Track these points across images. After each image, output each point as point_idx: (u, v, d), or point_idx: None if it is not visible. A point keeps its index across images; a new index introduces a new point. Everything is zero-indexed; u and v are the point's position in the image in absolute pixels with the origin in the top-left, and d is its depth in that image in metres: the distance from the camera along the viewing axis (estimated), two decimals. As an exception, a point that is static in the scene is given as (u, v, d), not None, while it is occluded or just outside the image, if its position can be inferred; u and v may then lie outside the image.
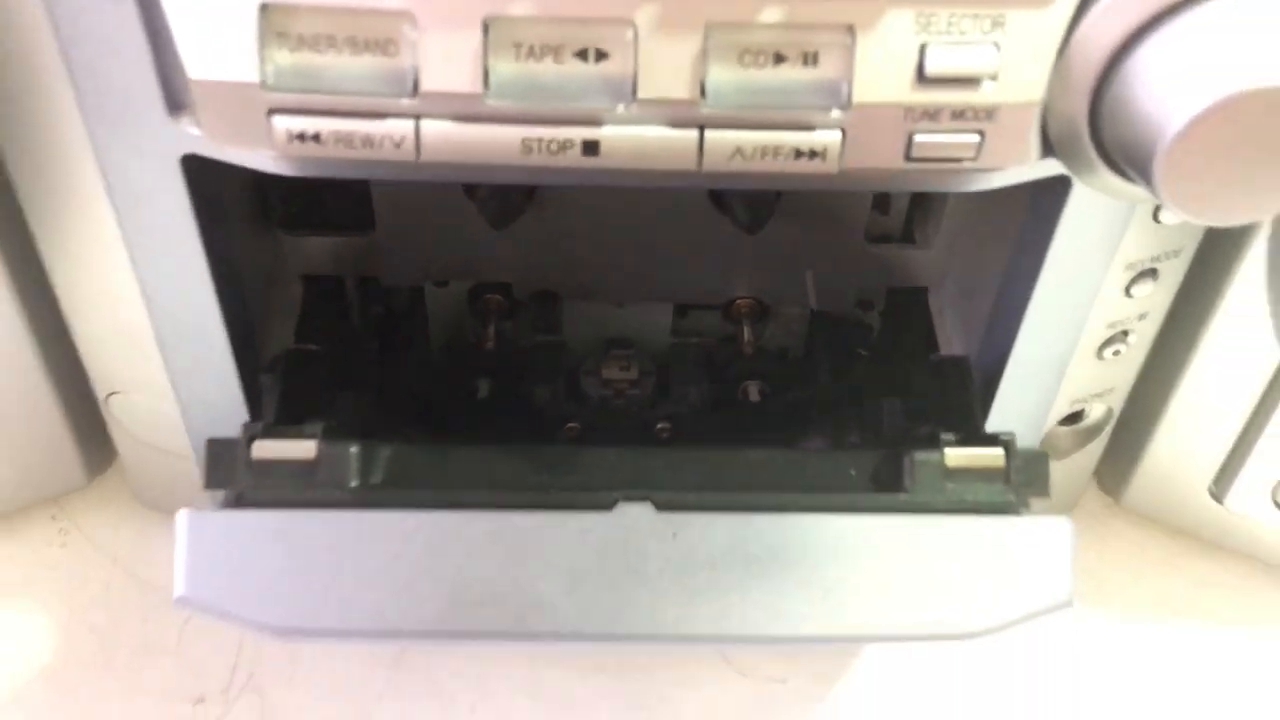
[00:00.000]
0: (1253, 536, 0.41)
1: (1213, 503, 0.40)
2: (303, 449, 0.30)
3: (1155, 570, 0.42)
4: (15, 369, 0.37)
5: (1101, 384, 0.37)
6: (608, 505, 0.28)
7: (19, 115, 0.29)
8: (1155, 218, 0.32)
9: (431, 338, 0.39)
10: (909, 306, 0.38)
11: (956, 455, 0.30)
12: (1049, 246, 0.31)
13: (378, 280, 0.38)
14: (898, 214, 0.38)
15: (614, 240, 0.37)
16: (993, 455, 0.31)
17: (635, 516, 0.28)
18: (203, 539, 0.28)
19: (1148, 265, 0.33)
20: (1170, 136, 0.23)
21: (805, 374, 0.38)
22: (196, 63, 0.24)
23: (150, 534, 0.41)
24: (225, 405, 0.35)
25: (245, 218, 0.36)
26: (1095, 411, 0.39)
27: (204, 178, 0.29)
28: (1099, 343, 0.35)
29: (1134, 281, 0.34)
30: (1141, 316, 0.35)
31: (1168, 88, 0.24)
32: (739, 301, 0.39)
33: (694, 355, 0.39)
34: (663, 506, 0.28)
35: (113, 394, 0.37)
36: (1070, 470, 0.41)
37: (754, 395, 0.38)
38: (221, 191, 0.31)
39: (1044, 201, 0.30)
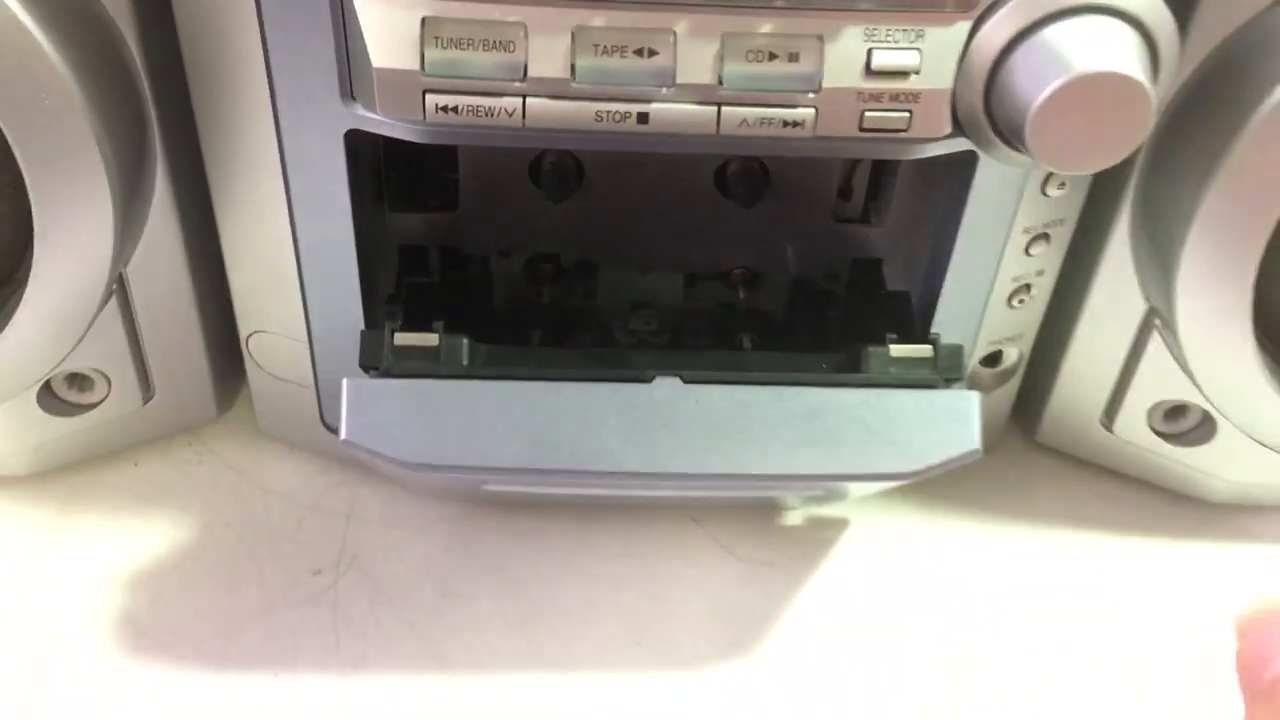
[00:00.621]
0: (1138, 458, 0.52)
1: (1105, 432, 0.51)
2: (428, 339, 0.41)
3: (1064, 491, 0.53)
4: (176, 316, 0.47)
5: (1012, 329, 0.48)
6: (648, 380, 0.40)
7: (216, 90, 0.40)
8: (1043, 191, 0.43)
9: (496, 296, 0.50)
10: (868, 273, 0.49)
11: (898, 349, 0.42)
12: (963, 213, 0.43)
13: (457, 249, 0.49)
14: (857, 199, 0.49)
15: (640, 218, 0.48)
16: (924, 349, 0.42)
17: (668, 387, 0.40)
18: (360, 399, 0.39)
19: (1040, 230, 0.45)
20: (1034, 110, 0.35)
21: (788, 323, 0.49)
22: (378, 55, 0.36)
23: (270, 454, 0.52)
24: (348, 342, 0.46)
25: (368, 196, 0.47)
26: (1010, 355, 0.50)
27: (357, 154, 0.41)
28: (1007, 294, 0.47)
29: (1031, 243, 0.45)
30: (1039, 273, 0.47)
31: (1031, 78, 0.35)
32: (735, 271, 0.50)
33: (701, 313, 0.50)
34: (688, 380, 0.40)
35: (254, 333, 0.48)
36: (992, 407, 0.52)
37: (747, 345, 0.49)
38: (364, 168, 0.42)
39: (958, 176, 0.42)
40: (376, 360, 0.41)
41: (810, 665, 0.46)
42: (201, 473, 0.51)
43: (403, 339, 0.41)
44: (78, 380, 0.48)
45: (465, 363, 0.41)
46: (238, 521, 0.49)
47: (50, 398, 0.48)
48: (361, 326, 0.45)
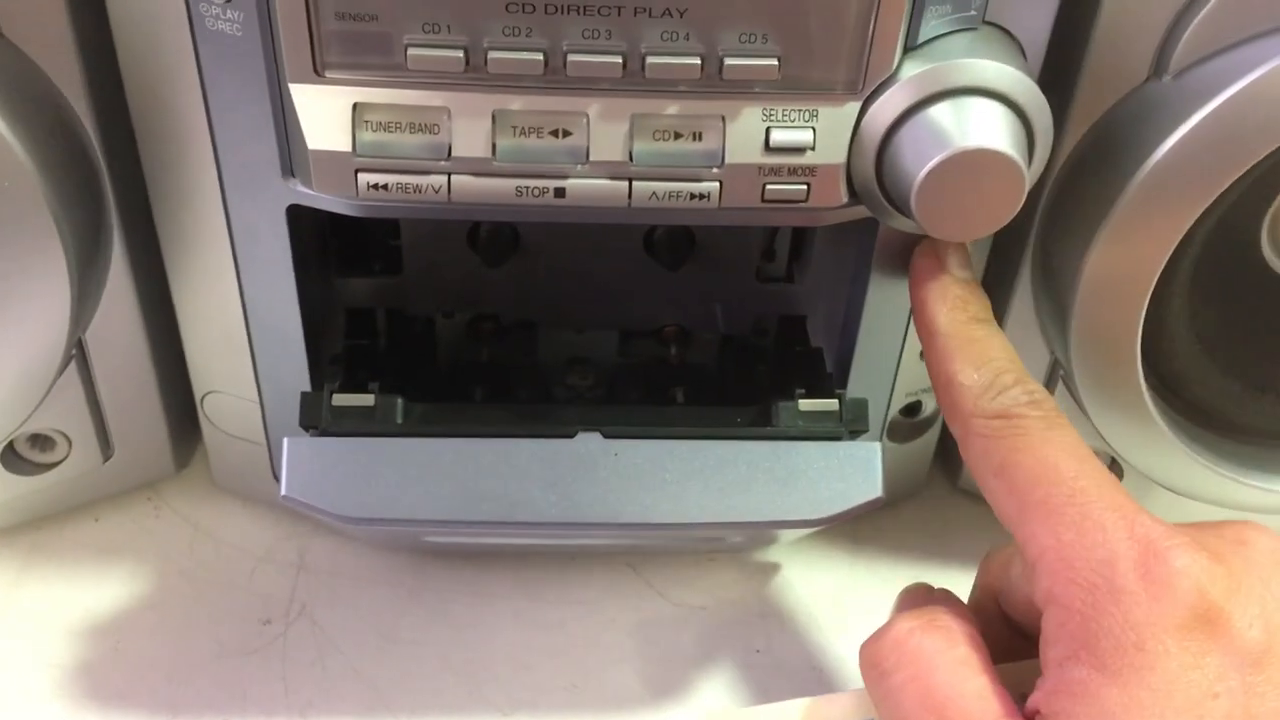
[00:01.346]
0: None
1: (1021, 477, 0.54)
2: (365, 399, 0.43)
3: (984, 535, 0.56)
4: (133, 378, 0.50)
5: (928, 381, 0.51)
6: (571, 435, 0.42)
7: (167, 167, 0.43)
8: (946, 252, 0.46)
9: (439, 355, 0.52)
10: (793, 329, 0.52)
11: (806, 403, 0.45)
12: (869, 273, 0.46)
13: (403, 311, 0.52)
14: (780, 261, 0.52)
15: (575, 280, 0.51)
16: (830, 404, 0.45)
17: (589, 441, 0.42)
18: (299, 457, 0.41)
19: (947, 288, 0.48)
20: (919, 182, 0.38)
21: (717, 378, 0.52)
22: (314, 138, 0.39)
23: (224, 508, 0.54)
24: (296, 401, 0.48)
25: (313, 263, 0.50)
26: (928, 405, 0.53)
27: (299, 225, 0.43)
28: (920, 348, 0.50)
29: (939, 301, 0.48)
30: (949, 328, 0.50)
31: (916, 153, 0.38)
32: (667, 328, 0.53)
33: (635, 369, 0.53)
34: (607, 435, 0.42)
35: (208, 393, 0.51)
36: (914, 454, 0.54)
37: (679, 399, 0.52)
38: (305, 239, 0.45)
39: (862, 239, 0.45)
40: (315, 420, 0.43)
41: (740, 704, 0.48)
42: (159, 526, 0.53)
43: (340, 399, 0.44)
44: (39, 440, 0.50)
45: (399, 420, 0.43)
46: (192, 572, 0.52)
47: (13, 457, 0.50)
48: (308, 386, 0.48)
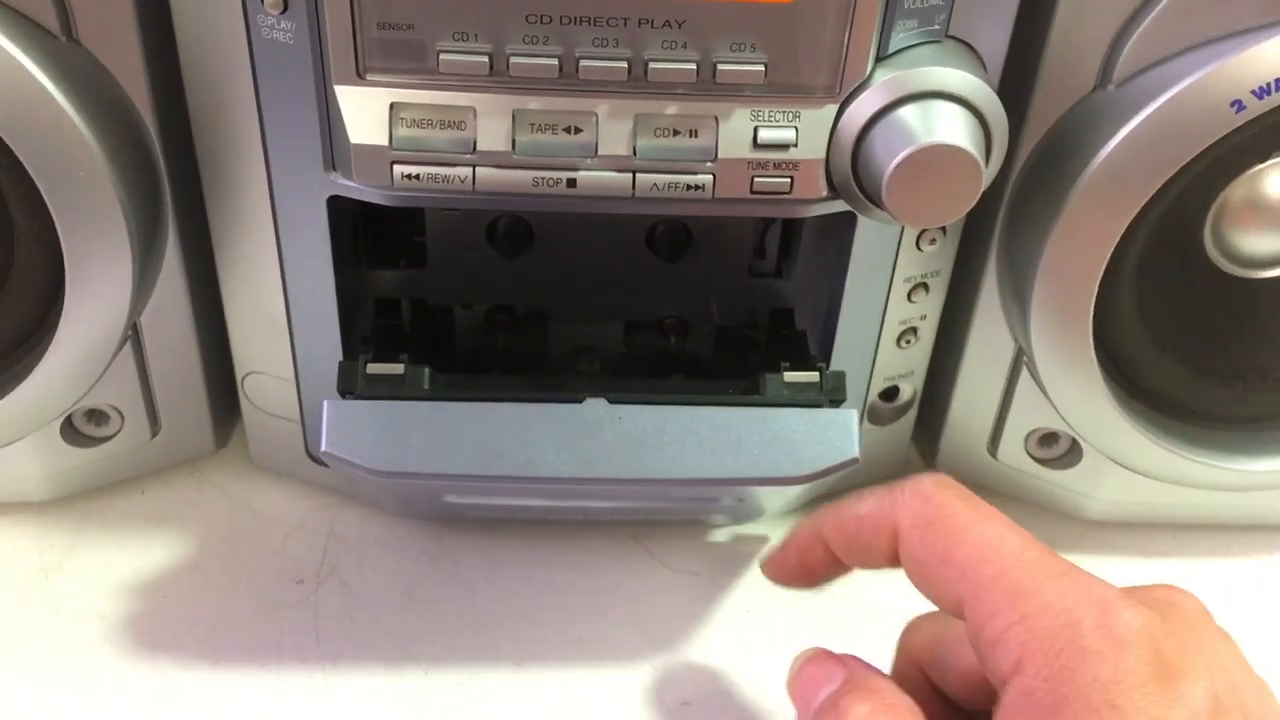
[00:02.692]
0: (1021, 482, 0.59)
1: (991, 459, 0.59)
2: (395, 369, 0.49)
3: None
4: (181, 360, 0.55)
5: (904, 367, 0.56)
6: (579, 400, 0.47)
7: (220, 162, 0.48)
8: (918, 245, 0.51)
9: (458, 342, 0.57)
10: (782, 321, 0.57)
11: (791, 375, 0.50)
12: (849, 265, 0.51)
13: (425, 302, 0.57)
14: (770, 257, 0.57)
15: (584, 274, 0.56)
16: (812, 375, 0.50)
17: (596, 406, 0.47)
18: (338, 418, 0.46)
19: (919, 280, 0.53)
20: (889, 174, 0.43)
21: (714, 365, 0.57)
22: (355, 133, 0.44)
23: (260, 483, 0.59)
24: (331, 381, 0.53)
25: (347, 255, 0.55)
26: (905, 390, 0.58)
27: (338, 216, 0.49)
28: (895, 335, 0.54)
29: (912, 291, 0.53)
30: (922, 317, 0.54)
31: (887, 149, 0.43)
32: (667, 321, 0.58)
33: (637, 357, 0.58)
34: (613, 402, 0.47)
35: (249, 374, 0.56)
36: (895, 437, 0.59)
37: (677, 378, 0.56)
38: (341, 232, 0.50)
39: (841, 233, 0.50)
40: (352, 386, 0.48)
41: (730, 658, 0.53)
42: (200, 498, 0.58)
43: (374, 368, 0.49)
44: (95, 415, 0.55)
45: (426, 387, 0.49)
46: (231, 539, 0.56)
47: (71, 431, 0.55)
48: (340, 359, 0.53)
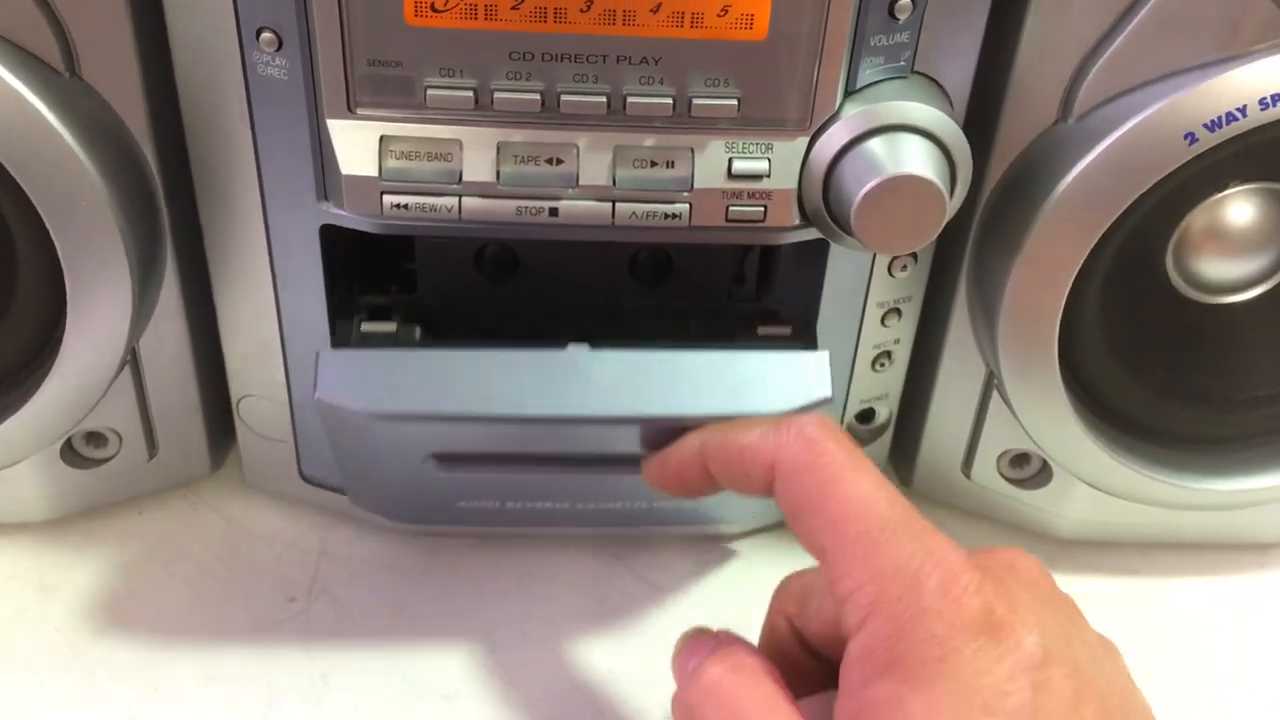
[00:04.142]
0: (994, 502, 0.61)
1: (965, 480, 0.61)
2: (388, 326, 0.52)
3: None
4: (178, 383, 0.56)
5: (879, 390, 0.58)
6: (562, 346, 0.50)
7: (217, 192, 0.50)
8: (890, 272, 0.53)
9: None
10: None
11: (764, 328, 0.53)
12: (823, 289, 0.53)
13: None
14: (749, 284, 0.59)
15: (567, 299, 0.58)
16: (784, 328, 0.53)
17: (579, 351, 0.50)
18: (331, 365, 0.48)
19: (892, 305, 0.55)
20: (857, 202, 0.45)
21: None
22: (346, 164, 0.46)
23: (255, 505, 0.60)
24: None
25: (339, 281, 0.57)
26: (881, 413, 0.59)
27: (330, 244, 0.50)
28: (870, 359, 0.56)
29: (885, 316, 0.55)
30: (896, 341, 0.56)
31: (855, 179, 0.45)
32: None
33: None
34: (595, 347, 0.50)
35: (244, 397, 0.57)
36: (871, 458, 0.60)
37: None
38: (335, 257, 0.52)
39: (816, 258, 0.52)
40: (346, 340, 0.51)
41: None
42: (196, 519, 0.60)
43: (367, 326, 0.52)
44: (94, 438, 0.57)
45: (417, 340, 0.51)
46: (226, 558, 0.58)
47: (70, 453, 0.57)
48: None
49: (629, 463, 0.49)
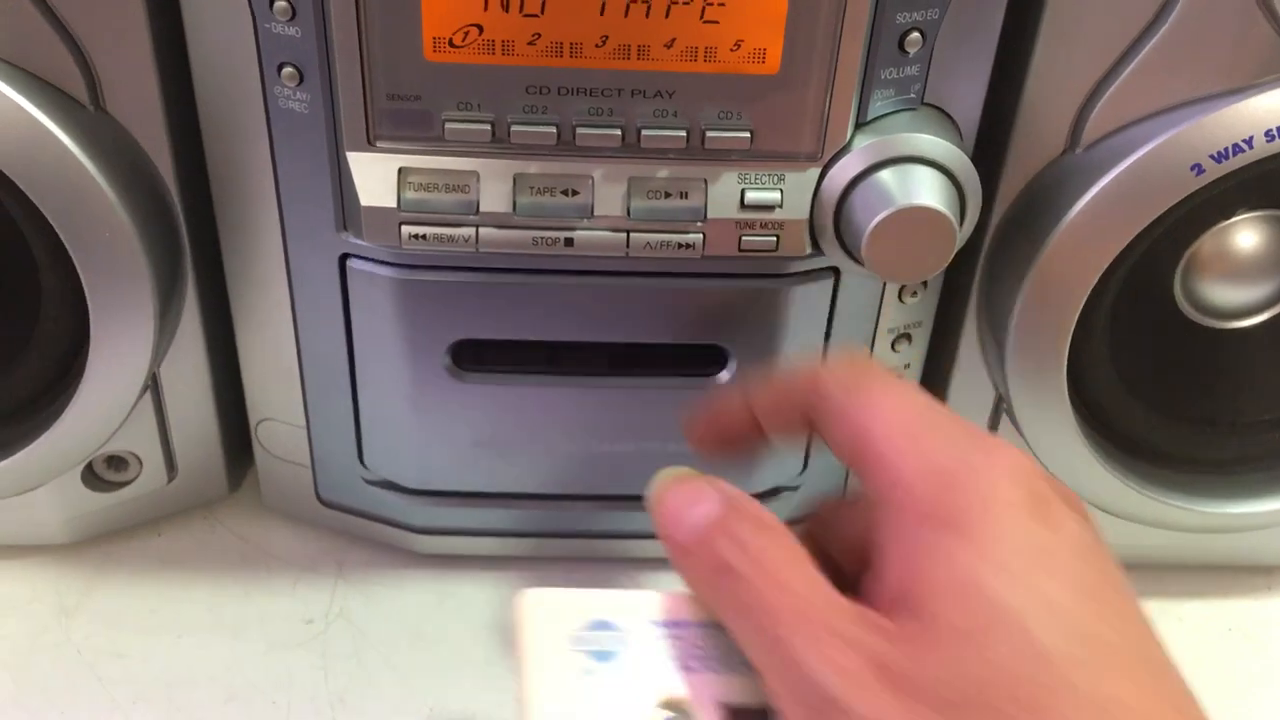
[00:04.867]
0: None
1: (974, 502, 0.61)
2: None
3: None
4: (197, 408, 0.57)
5: (889, 412, 0.59)
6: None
7: (238, 222, 0.51)
8: (900, 298, 0.54)
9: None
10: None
11: None
12: (834, 317, 0.53)
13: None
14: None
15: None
16: None
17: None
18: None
19: (902, 331, 0.55)
20: (868, 233, 0.45)
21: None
22: (366, 196, 0.46)
23: (273, 527, 0.61)
24: (341, 428, 0.56)
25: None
26: (890, 435, 0.60)
27: (348, 275, 0.51)
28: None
29: (895, 342, 0.55)
30: (906, 366, 0.57)
31: (866, 209, 0.46)
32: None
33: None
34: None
35: (262, 421, 0.58)
36: (881, 481, 0.62)
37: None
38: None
39: (826, 286, 0.52)
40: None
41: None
42: (214, 540, 0.61)
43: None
44: (114, 461, 0.57)
45: None
46: (243, 580, 0.59)
47: (91, 476, 0.57)
48: (351, 413, 0.55)
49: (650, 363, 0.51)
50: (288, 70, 0.45)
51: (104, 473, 0.58)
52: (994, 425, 0.58)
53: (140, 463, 0.58)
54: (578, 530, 0.60)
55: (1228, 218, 0.52)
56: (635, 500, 0.56)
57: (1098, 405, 0.56)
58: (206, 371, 0.56)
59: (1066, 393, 0.53)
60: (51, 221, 0.46)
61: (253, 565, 0.60)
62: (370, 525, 0.60)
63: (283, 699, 0.54)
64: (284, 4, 0.43)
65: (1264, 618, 0.61)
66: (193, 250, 0.53)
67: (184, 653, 0.55)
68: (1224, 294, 0.54)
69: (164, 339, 0.53)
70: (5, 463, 0.53)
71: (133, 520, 0.60)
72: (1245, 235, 0.53)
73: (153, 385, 0.55)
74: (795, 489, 0.59)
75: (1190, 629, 0.61)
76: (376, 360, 0.53)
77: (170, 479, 0.59)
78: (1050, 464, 0.56)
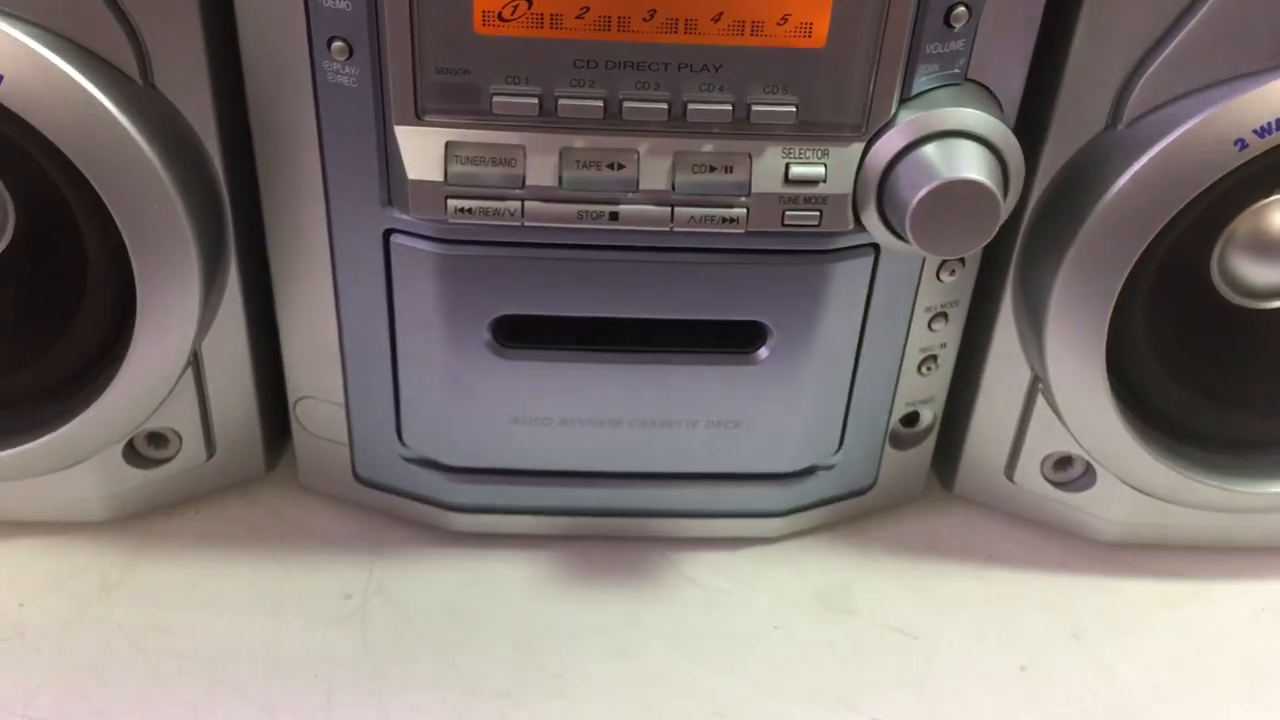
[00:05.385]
0: (1037, 504, 0.62)
1: (1008, 482, 0.61)
2: None
3: (977, 535, 0.63)
4: (237, 385, 0.58)
5: (924, 393, 0.59)
6: None
7: (282, 198, 0.51)
8: (938, 276, 0.54)
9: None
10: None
11: None
12: (873, 294, 0.53)
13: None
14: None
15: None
16: None
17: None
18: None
19: (939, 309, 0.55)
20: (913, 207, 0.46)
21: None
22: (412, 169, 0.47)
23: (310, 505, 0.61)
24: (381, 406, 0.56)
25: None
26: (925, 416, 0.60)
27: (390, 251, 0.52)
28: (916, 363, 0.57)
29: (932, 320, 0.56)
30: (942, 345, 0.57)
31: (910, 184, 0.46)
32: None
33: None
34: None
35: (301, 399, 0.59)
36: (915, 461, 0.62)
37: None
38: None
39: (866, 263, 0.53)
40: None
41: (759, 670, 0.55)
42: (253, 518, 0.61)
43: None
44: (155, 438, 0.58)
45: None
46: (282, 557, 0.59)
47: (132, 452, 0.58)
48: (390, 392, 0.56)
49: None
50: (337, 44, 0.45)
51: (144, 449, 0.58)
52: (1029, 404, 0.58)
53: (180, 439, 0.58)
54: (612, 508, 0.60)
55: (1267, 196, 0.52)
56: (671, 478, 0.58)
57: (1135, 385, 0.56)
58: (246, 349, 0.57)
59: (1105, 373, 0.53)
60: (101, 194, 0.47)
61: (290, 543, 0.60)
62: (406, 504, 0.60)
63: (324, 671, 0.54)
64: (336, -23, 0.44)
65: (1299, 598, 0.61)
66: (235, 226, 0.53)
67: (225, 627, 0.56)
68: (1260, 274, 0.54)
69: (207, 314, 0.53)
70: (49, 438, 0.54)
71: (171, 498, 0.61)
72: (1282, 214, 0.53)
73: (194, 361, 0.56)
74: (831, 468, 0.59)
75: (1222, 609, 0.61)
76: (418, 337, 0.54)
77: (209, 456, 0.59)
78: (1087, 443, 0.56)
